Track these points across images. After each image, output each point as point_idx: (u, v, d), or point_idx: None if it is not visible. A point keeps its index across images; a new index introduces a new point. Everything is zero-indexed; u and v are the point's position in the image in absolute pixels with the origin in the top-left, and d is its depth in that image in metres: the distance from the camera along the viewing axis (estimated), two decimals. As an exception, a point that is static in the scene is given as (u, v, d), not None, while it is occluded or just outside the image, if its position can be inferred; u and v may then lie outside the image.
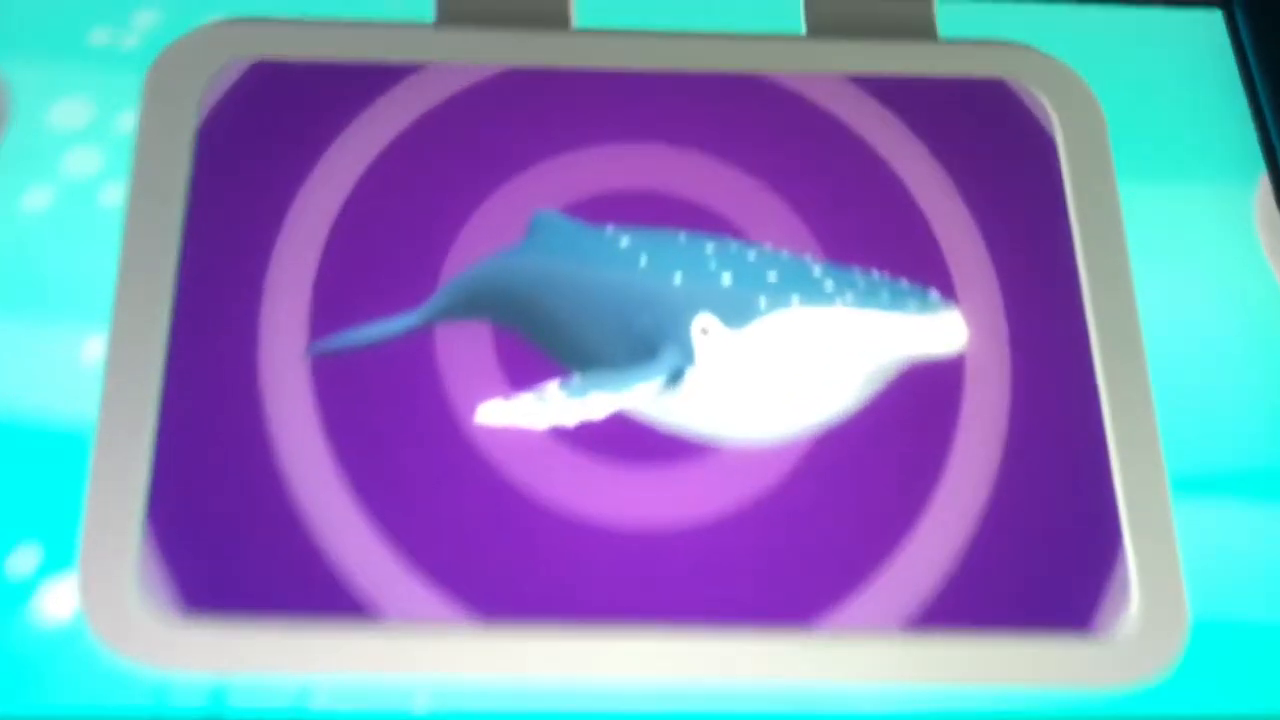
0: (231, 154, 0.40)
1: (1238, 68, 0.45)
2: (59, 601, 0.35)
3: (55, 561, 0.35)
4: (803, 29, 0.44)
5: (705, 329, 0.37)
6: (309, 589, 0.35)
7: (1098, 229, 0.41)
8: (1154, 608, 0.36)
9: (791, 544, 0.36)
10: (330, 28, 0.43)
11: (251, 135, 0.40)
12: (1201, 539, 0.37)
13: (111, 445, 0.36)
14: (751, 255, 0.39)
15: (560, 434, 0.37)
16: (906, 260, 0.40)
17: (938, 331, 0.38)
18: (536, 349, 0.38)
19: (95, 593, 0.35)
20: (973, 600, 0.36)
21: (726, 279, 0.38)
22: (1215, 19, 0.46)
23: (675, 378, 0.37)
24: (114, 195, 0.39)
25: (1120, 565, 0.37)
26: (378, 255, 0.39)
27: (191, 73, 0.41)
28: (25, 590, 0.35)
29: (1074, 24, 0.45)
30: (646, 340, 0.38)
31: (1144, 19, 0.46)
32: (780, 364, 0.37)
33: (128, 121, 0.40)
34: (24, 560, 0.35)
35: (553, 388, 0.37)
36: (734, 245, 0.39)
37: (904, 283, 0.39)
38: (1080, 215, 0.42)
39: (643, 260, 0.39)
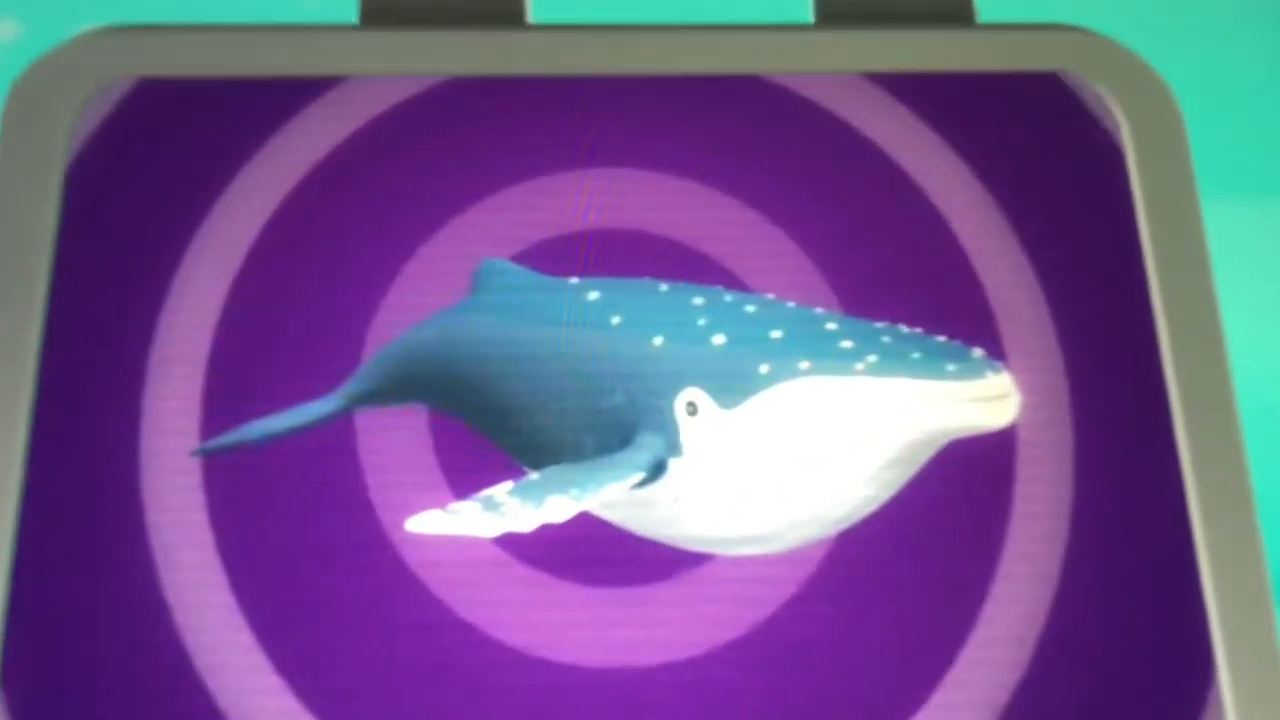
0: (110, 195, 0.36)
1: (1346, 48, 0.39)
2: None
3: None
4: (811, 17, 0.39)
5: (692, 406, 0.33)
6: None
7: (1178, 260, 0.36)
8: (1256, 741, 0.32)
9: (803, 680, 0.32)
10: (230, 35, 0.37)
11: (134, 172, 0.36)
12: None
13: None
14: (750, 308, 0.34)
15: (512, 544, 0.32)
16: (943, 309, 0.35)
17: (983, 400, 0.33)
18: (483, 438, 0.34)
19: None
20: (1031, 746, 0.32)
21: (719, 340, 0.33)
22: (1318, -13, 0.40)
23: (656, 472, 0.33)
24: (-36, 252, 0.35)
25: (1213, 694, 0.32)
26: (287, 322, 0.35)
27: (61, 96, 0.36)
28: None
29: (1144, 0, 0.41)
30: (620, 423, 0.33)
31: (1230, -9, 0.40)
32: (787, 449, 0.33)
33: (-18, 159, 0.36)
34: None
35: (502, 491, 0.32)
36: (728, 297, 0.35)
37: (940, 339, 0.34)
38: (1156, 243, 0.36)
39: (615, 319, 0.34)
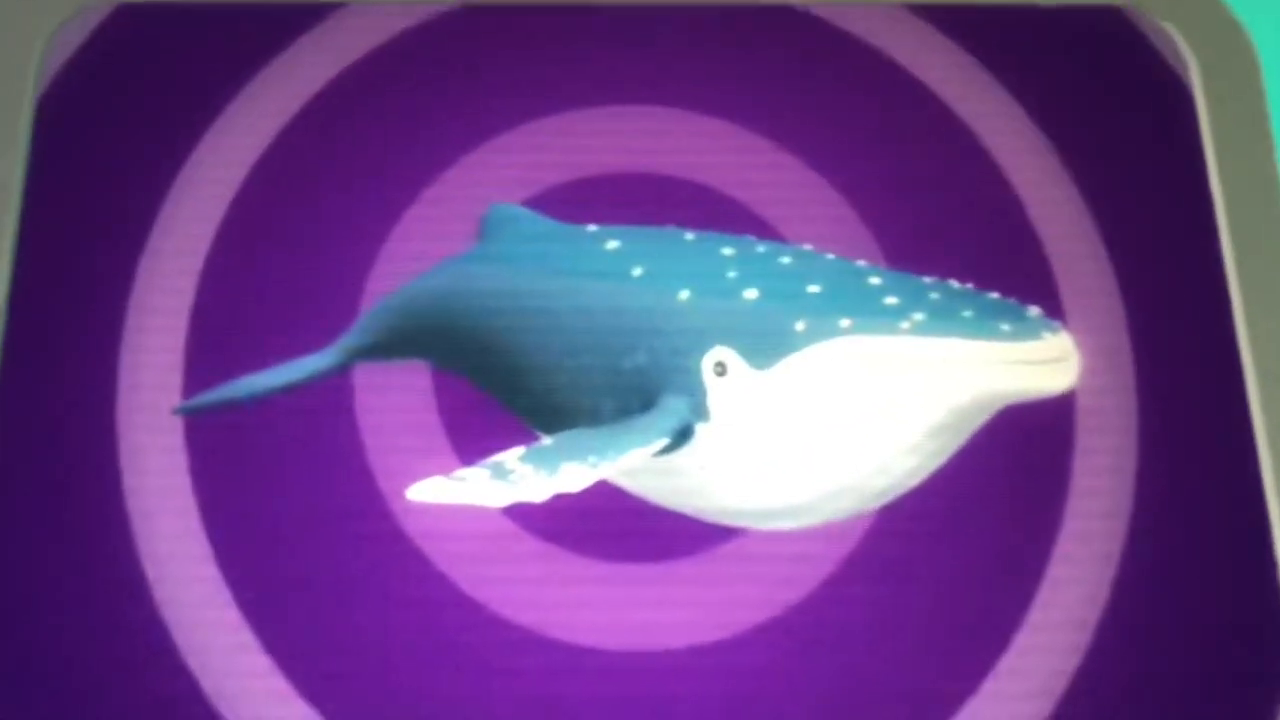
0: (85, 130, 0.35)
1: None
2: None
3: None
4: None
5: (721, 366, 0.32)
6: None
7: (1251, 211, 0.36)
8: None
9: (841, 667, 0.31)
10: (218, -45, 0.38)
11: (112, 104, 0.36)
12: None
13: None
14: (785, 260, 0.34)
15: (523, 515, 0.32)
16: (997, 264, 0.35)
17: (1039, 362, 0.32)
18: (491, 399, 0.33)
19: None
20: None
21: (750, 295, 0.33)
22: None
23: (681, 438, 0.32)
24: (-72, 191, 0.35)
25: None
26: (279, 269, 0.34)
27: (32, 20, 0.36)
28: None
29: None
30: (642, 385, 0.32)
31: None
32: (824, 414, 0.32)
33: (-54, 91, 0.35)
34: None
35: (513, 457, 0.31)
36: (761, 247, 0.35)
37: (993, 296, 0.34)
38: (1227, 192, 0.36)
39: (636, 270, 0.33)
